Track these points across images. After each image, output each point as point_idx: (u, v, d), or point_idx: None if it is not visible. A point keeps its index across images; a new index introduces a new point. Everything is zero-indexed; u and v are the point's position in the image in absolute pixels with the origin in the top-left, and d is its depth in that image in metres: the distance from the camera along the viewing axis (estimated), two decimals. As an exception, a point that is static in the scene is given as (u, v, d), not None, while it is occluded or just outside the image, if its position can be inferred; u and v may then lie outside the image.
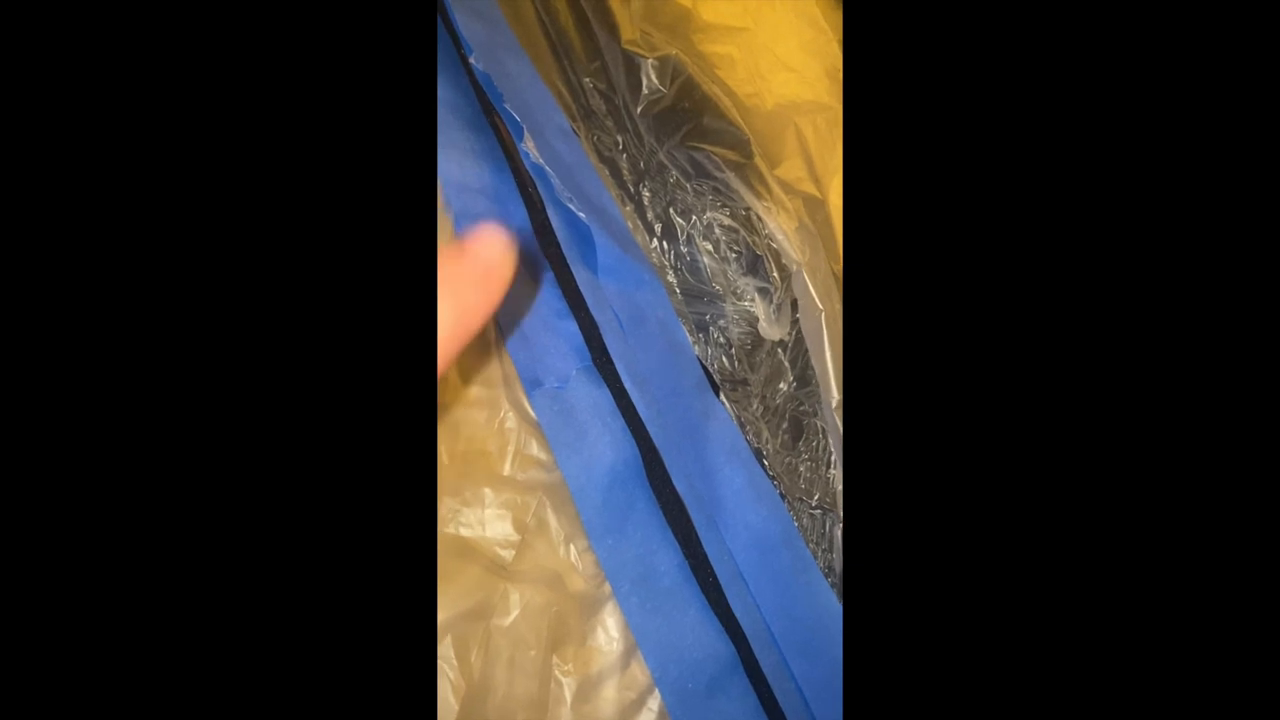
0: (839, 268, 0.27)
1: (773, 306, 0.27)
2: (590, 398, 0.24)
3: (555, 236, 0.25)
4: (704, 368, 0.26)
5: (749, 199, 0.27)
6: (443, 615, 0.20)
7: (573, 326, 0.25)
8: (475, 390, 0.23)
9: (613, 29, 0.28)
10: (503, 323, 0.24)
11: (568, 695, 0.21)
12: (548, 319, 0.25)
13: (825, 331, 0.26)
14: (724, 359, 0.26)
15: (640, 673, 0.22)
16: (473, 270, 0.15)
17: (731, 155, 0.27)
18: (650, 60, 0.28)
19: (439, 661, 0.19)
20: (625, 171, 0.27)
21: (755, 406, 0.26)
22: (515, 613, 0.21)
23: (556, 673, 0.21)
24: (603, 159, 0.27)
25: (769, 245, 0.27)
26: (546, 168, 0.24)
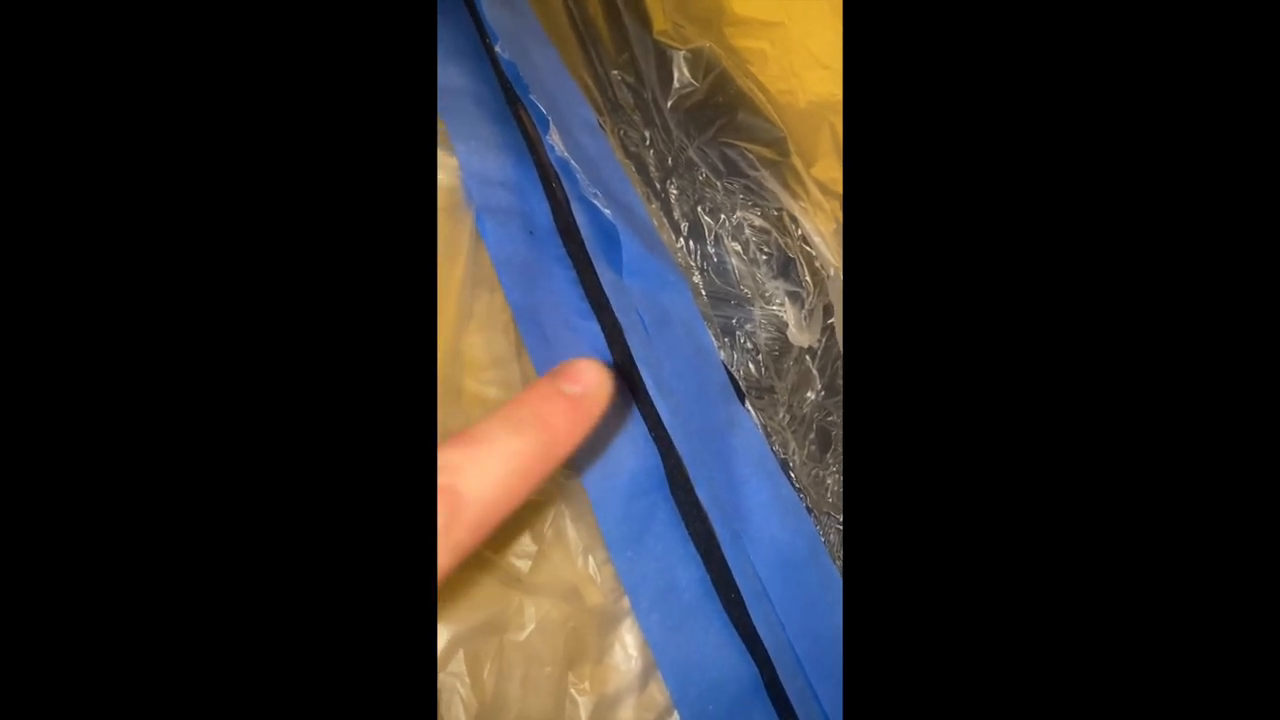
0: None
1: (804, 311, 0.26)
2: (612, 404, 0.23)
3: (579, 233, 0.24)
4: (729, 374, 0.25)
5: (784, 199, 0.26)
6: (455, 629, 0.19)
7: (595, 327, 0.24)
8: (492, 392, 0.22)
9: (643, 20, 0.27)
10: (522, 323, 0.23)
11: (583, 715, 0.20)
12: (569, 319, 0.24)
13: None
14: (750, 365, 0.25)
15: (659, 693, 0.21)
16: (564, 401, 0.15)
17: (767, 153, 0.26)
18: (683, 53, 0.27)
19: (451, 678, 0.19)
20: (652, 168, 0.26)
21: (781, 415, 0.25)
22: (530, 627, 0.20)
23: (572, 691, 0.20)
24: (629, 154, 0.26)
25: (802, 248, 0.26)
26: (571, 161, 0.23)
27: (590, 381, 0.16)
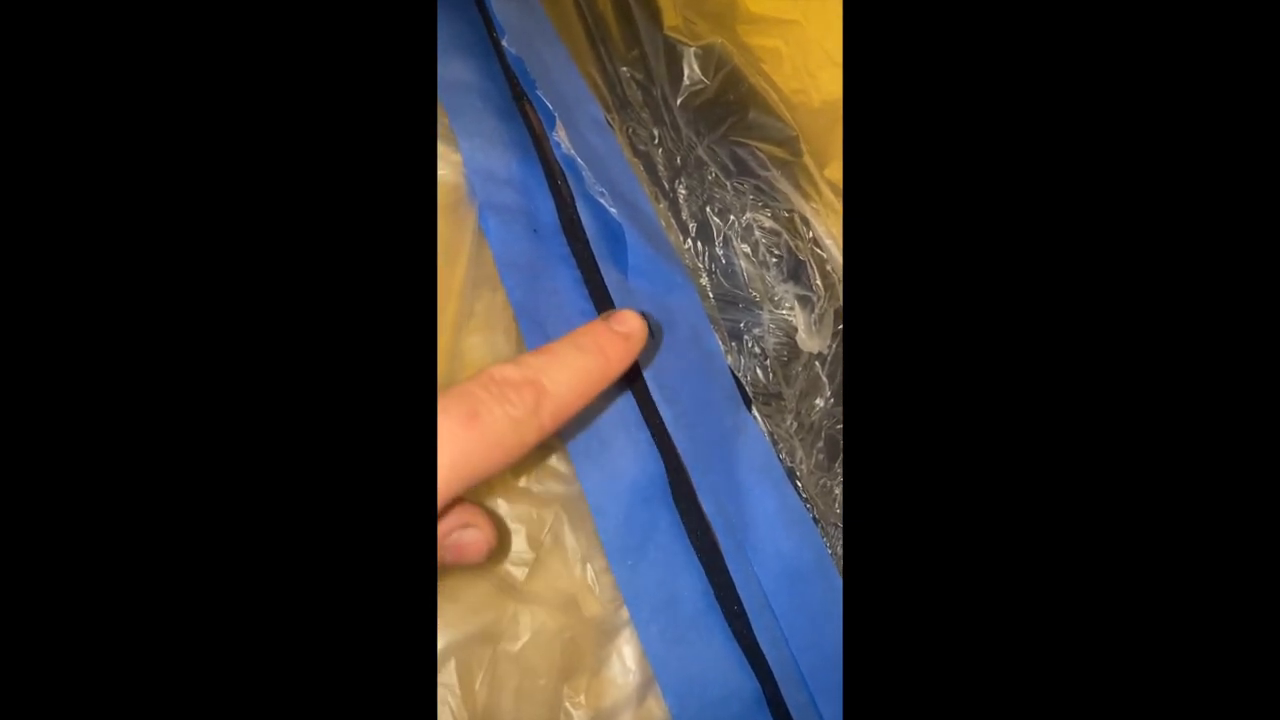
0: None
1: (814, 316, 0.25)
2: (614, 406, 0.23)
3: (584, 232, 0.23)
4: (736, 379, 0.24)
5: (796, 200, 0.25)
6: (448, 637, 0.18)
7: (599, 329, 0.23)
8: (492, 393, 0.22)
9: (654, 15, 0.27)
10: (524, 323, 0.23)
11: (578, 729, 0.19)
12: (572, 320, 0.24)
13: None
14: (758, 370, 0.25)
15: (657, 708, 0.20)
16: (615, 336, 0.19)
17: (779, 152, 0.25)
18: (693, 49, 0.26)
19: (441, 689, 0.18)
20: (661, 166, 0.26)
21: (789, 422, 0.24)
22: (526, 638, 0.19)
23: (567, 704, 0.19)
24: (637, 153, 0.26)
25: (813, 251, 0.25)
26: (578, 159, 0.23)
27: (634, 326, 0.20)
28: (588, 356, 0.18)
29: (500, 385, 0.16)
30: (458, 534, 0.18)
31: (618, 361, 0.19)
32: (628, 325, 0.19)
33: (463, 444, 0.15)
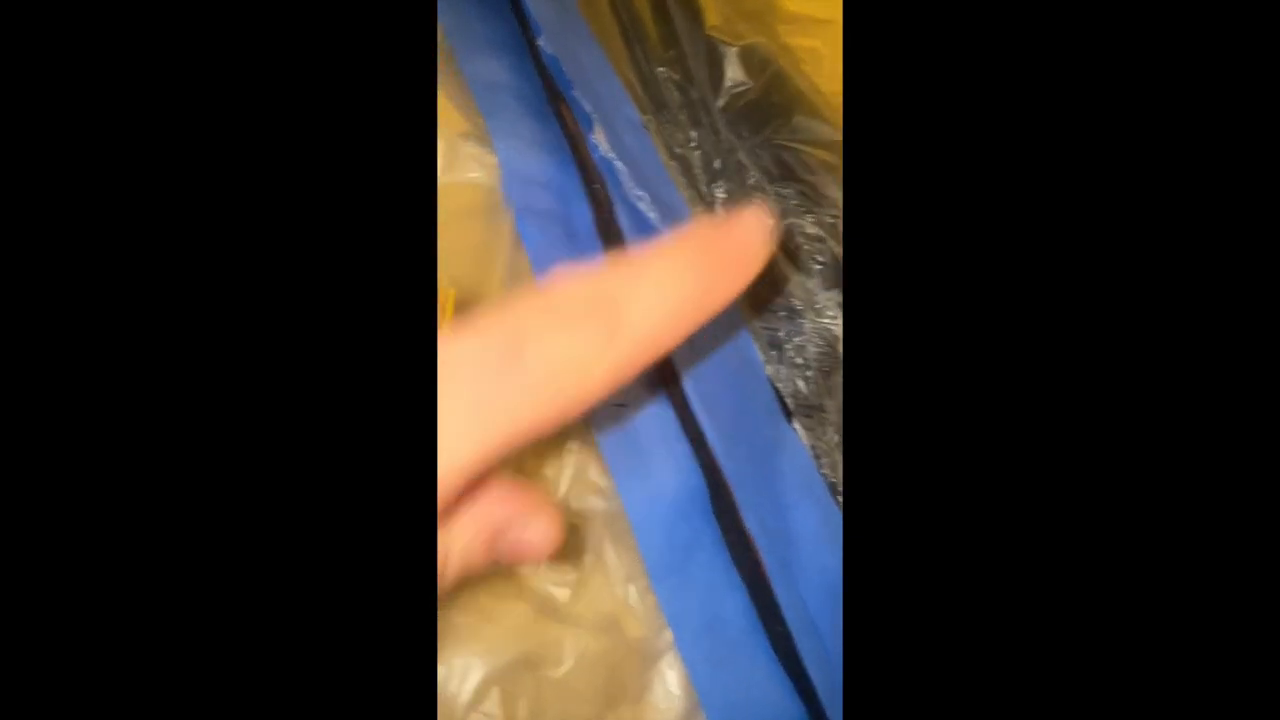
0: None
1: (859, 326, 0.24)
2: (655, 419, 0.22)
3: (622, 237, 0.23)
4: (775, 390, 0.23)
5: (844, 204, 0.24)
6: (490, 664, 0.18)
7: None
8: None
9: (694, 14, 0.26)
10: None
11: (621, 757, 0.19)
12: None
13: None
14: (799, 381, 0.24)
15: (702, 734, 0.19)
16: (726, 249, 0.13)
17: (827, 156, 0.24)
18: (736, 49, 0.25)
19: (484, 718, 0.17)
20: (698, 169, 0.25)
21: (831, 435, 0.24)
22: (569, 663, 0.18)
23: (611, 732, 0.19)
24: (673, 155, 0.25)
25: (859, 258, 0.24)
26: (616, 162, 0.22)
27: (754, 233, 0.14)
28: (687, 273, 0.13)
29: (562, 307, 0.12)
30: (519, 531, 0.14)
31: (729, 282, 0.13)
32: (745, 231, 0.14)
33: (506, 386, 0.11)
